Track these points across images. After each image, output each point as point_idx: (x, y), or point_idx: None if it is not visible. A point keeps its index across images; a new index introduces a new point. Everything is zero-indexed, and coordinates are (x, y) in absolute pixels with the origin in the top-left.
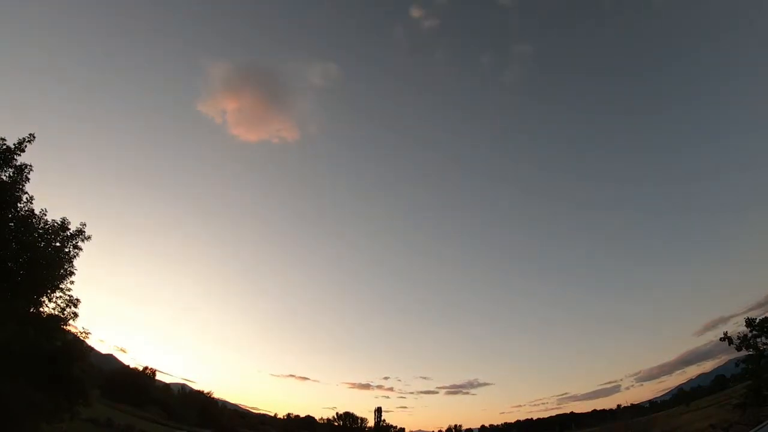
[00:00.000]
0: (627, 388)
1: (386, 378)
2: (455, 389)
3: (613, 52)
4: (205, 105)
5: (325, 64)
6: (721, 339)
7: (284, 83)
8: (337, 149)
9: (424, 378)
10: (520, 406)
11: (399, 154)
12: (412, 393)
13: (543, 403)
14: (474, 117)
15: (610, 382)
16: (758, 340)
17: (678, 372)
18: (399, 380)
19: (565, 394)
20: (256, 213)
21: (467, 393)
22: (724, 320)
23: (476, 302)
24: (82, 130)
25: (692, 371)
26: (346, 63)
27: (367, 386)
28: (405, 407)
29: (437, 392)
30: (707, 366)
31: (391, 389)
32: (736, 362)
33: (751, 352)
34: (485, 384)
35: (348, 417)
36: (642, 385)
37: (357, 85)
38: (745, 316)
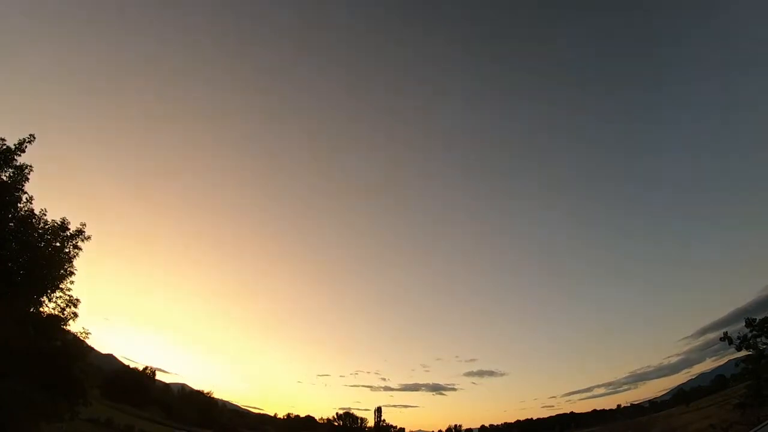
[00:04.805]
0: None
1: (379, 370)
2: (470, 378)
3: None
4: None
5: None
6: (721, 339)
7: None
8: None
9: (429, 371)
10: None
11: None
12: (417, 388)
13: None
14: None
15: (629, 375)
16: (758, 340)
17: (679, 371)
18: (405, 375)
19: (576, 389)
20: (254, 215)
21: (481, 384)
22: (723, 321)
23: (485, 297)
24: (82, 130)
25: (692, 371)
26: None
27: (370, 384)
28: (416, 406)
29: (448, 386)
30: (707, 366)
31: (388, 378)
32: (736, 362)
33: (751, 352)
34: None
35: (348, 417)
36: (645, 383)
37: None
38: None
